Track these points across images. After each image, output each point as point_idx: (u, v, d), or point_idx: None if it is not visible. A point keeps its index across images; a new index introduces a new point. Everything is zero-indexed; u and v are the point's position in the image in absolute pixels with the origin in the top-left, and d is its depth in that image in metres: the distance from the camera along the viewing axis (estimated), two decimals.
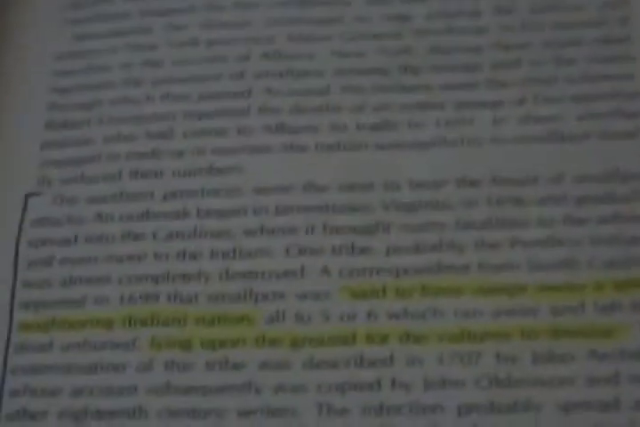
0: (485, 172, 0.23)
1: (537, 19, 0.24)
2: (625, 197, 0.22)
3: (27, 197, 0.24)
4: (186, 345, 0.22)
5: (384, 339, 0.21)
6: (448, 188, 0.23)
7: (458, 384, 0.21)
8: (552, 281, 0.22)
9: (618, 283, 0.21)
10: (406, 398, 0.21)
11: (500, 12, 0.25)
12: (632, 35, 0.24)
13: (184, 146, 0.24)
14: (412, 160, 0.23)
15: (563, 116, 0.23)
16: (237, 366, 0.21)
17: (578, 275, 0.22)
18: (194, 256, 0.22)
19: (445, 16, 0.25)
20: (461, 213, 0.22)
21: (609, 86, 0.23)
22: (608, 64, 0.24)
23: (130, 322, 0.22)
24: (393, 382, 0.21)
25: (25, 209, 0.24)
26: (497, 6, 0.25)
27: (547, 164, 0.23)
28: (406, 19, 0.25)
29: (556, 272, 0.22)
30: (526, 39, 0.24)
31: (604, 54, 0.24)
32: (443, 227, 0.22)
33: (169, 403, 0.21)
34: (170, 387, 0.21)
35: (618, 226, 0.22)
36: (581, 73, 0.24)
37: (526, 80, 0.24)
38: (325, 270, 0.22)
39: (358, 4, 0.25)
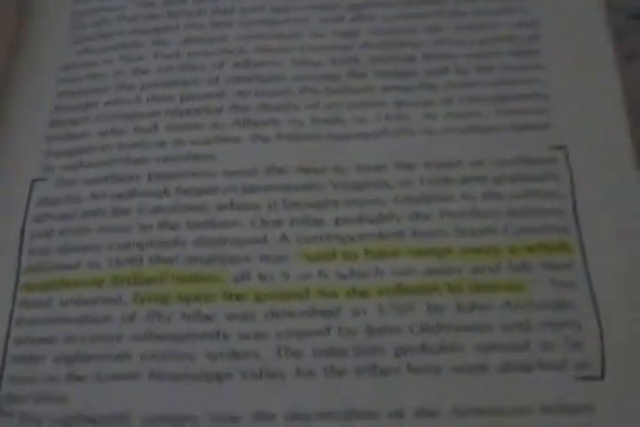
0: (419, 157, 0.26)
1: (461, 35, 0.27)
2: (533, 177, 0.25)
3: (33, 182, 0.26)
4: (164, 300, 0.24)
5: (333, 294, 0.24)
6: (388, 170, 0.25)
7: (395, 331, 0.23)
8: (474, 245, 0.24)
9: (528, 247, 0.24)
10: (351, 342, 0.23)
11: (432, 30, 0.27)
12: (541, 48, 0.27)
13: (166, 138, 0.26)
14: (358, 148, 0.26)
15: (482, 112, 0.26)
16: (208, 318, 0.24)
17: (495, 240, 0.24)
18: (173, 227, 0.25)
19: (387, 32, 0.28)
20: (399, 190, 0.25)
21: (521, 89, 0.26)
22: (521, 71, 0.27)
23: (117, 281, 0.24)
24: (340, 330, 0.24)
25: (31, 192, 0.26)
26: (428, 26, 0.28)
27: (469, 150, 0.26)
28: (354, 34, 0.28)
29: (478, 238, 0.24)
30: (453, 51, 0.27)
31: (518, 64, 0.27)
32: (383, 202, 0.25)
33: (149, 348, 0.24)
34: (150, 335, 0.24)
35: (528, 200, 0.25)
36: (498, 78, 0.27)
37: (452, 84, 0.27)
38: (284, 238, 0.25)
39: (315, 22, 0.28)
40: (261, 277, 0.24)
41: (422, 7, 0.28)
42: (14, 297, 0.25)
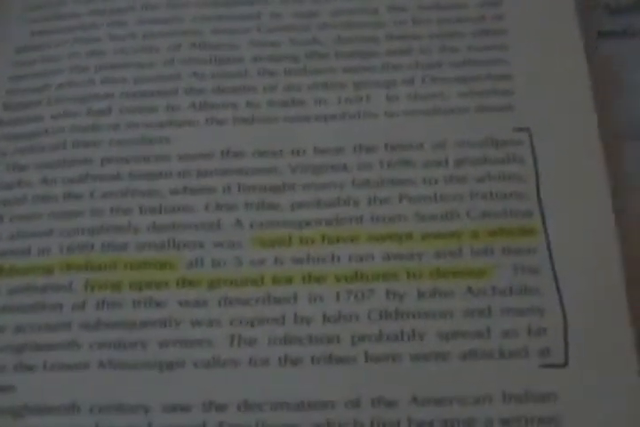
0: (379, 139, 0.25)
1: (425, 15, 0.27)
2: (497, 160, 0.24)
3: None
4: (116, 287, 0.23)
5: (288, 280, 0.23)
6: (347, 153, 0.25)
7: (352, 318, 0.23)
8: (435, 230, 0.23)
9: (490, 231, 0.23)
10: (307, 330, 0.22)
11: (394, 10, 0.27)
12: (507, 28, 0.26)
13: (120, 121, 0.26)
14: (317, 130, 0.25)
15: (446, 93, 0.25)
16: (160, 304, 0.23)
17: (457, 225, 0.23)
18: (125, 212, 0.24)
19: (348, 13, 0.27)
20: (357, 174, 0.24)
21: (486, 70, 0.26)
22: (486, 52, 0.26)
23: (68, 268, 0.24)
24: (295, 317, 0.23)
25: None
26: (391, 5, 0.27)
27: (431, 133, 0.25)
28: (314, 14, 0.27)
29: (439, 222, 0.23)
30: (416, 31, 0.26)
31: (483, 44, 0.26)
32: (341, 186, 0.24)
33: (99, 337, 0.23)
34: (100, 323, 0.23)
35: (491, 184, 0.24)
36: (463, 59, 0.26)
37: (415, 65, 0.26)
38: (239, 223, 0.24)
39: (274, 2, 0.27)
40: (215, 263, 0.23)
41: None
42: None
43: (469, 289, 0.23)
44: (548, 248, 0.23)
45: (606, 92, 0.25)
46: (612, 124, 0.25)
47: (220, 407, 0.22)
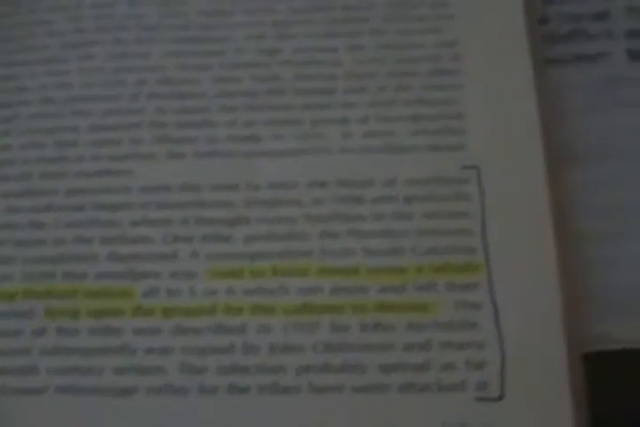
0: (332, 175, 0.25)
1: (383, 54, 0.27)
2: (445, 197, 0.25)
3: None
4: (74, 315, 0.24)
5: (239, 311, 0.24)
6: (300, 188, 0.25)
7: (298, 349, 0.23)
8: (381, 265, 0.24)
9: (435, 267, 0.24)
10: (254, 360, 0.23)
11: (353, 49, 0.27)
12: (462, 68, 0.27)
13: (85, 153, 0.26)
14: (272, 166, 0.26)
15: (398, 132, 0.26)
16: (116, 332, 0.24)
17: (403, 260, 0.24)
18: (86, 242, 0.25)
19: (308, 51, 0.27)
20: (310, 208, 0.25)
21: (439, 109, 0.26)
22: (440, 91, 0.26)
23: (29, 295, 0.24)
24: (244, 347, 0.23)
25: None
26: (351, 44, 0.27)
27: (382, 170, 0.25)
28: (276, 52, 0.27)
29: (385, 258, 0.24)
30: (373, 70, 0.27)
31: (437, 83, 0.26)
32: (294, 220, 0.25)
33: (58, 362, 0.23)
34: (59, 349, 0.24)
35: (438, 221, 0.24)
36: (416, 98, 0.26)
37: (370, 103, 0.26)
38: (194, 255, 0.25)
39: (238, 39, 0.28)
40: (170, 293, 0.24)
41: (345, 26, 0.28)
42: None
43: (411, 324, 0.23)
44: (490, 284, 0.24)
45: (551, 120, 0.26)
46: (558, 151, 0.26)
47: None
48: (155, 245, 0.25)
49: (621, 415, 0.24)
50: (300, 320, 0.24)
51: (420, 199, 0.25)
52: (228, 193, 0.25)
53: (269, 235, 0.25)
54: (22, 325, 0.24)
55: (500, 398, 0.23)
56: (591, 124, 0.27)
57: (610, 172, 0.26)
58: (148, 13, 0.29)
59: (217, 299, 0.24)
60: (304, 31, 0.28)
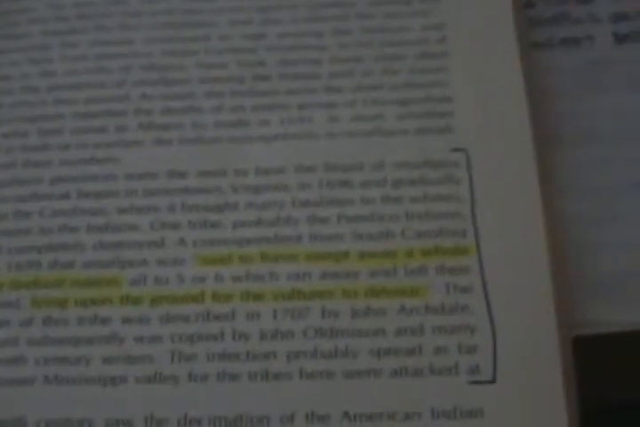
0: (319, 160, 0.25)
1: (369, 38, 0.27)
2: (433, 181, 0.24)
3: None
4: (62, 304, 0.24)
5: (228, 298, 0.23)
6: (287, 173, 0.25)
7: (288, 335, 0.23)
8: (371, 249, 0.24)
9: (425, 251, 0.24)
10: (244, 346, 0.23)
11: (339, 33, 0.27)
12: (449, 50, 0.26)
13: (70, 141, 0.26)
14: (259, 151, 0.25)
15: (386, 115, 0.25)
16: (104, 321, 0.23)
17: (392, 244, 0.24)
18: (72, 230, 0.24)
19: (294, 35, 0.27)
20: (297, 193, 0.25)
21: (426, 92, 0.26)
22: (427, 74, 0.26)
23: (16, 285, 0.24)
24: (233, 334, 0.23)
25: None
26: (336, 28, 0.27)
27: (370, 153, 0.25)
28: (261, 37, 0.27)
29: (375, 242, 0.24)
30: (359, 54, 0.26)
31: (424, 66, 0.26)
32: (281, 205, 0.24)
33: (45, 352, 0.23)
34: (47, 339, 0.23)
35: (427, 204, 0.24)
36: (403, 81, 0.26)
37: (357, 87, 0.26)
38: (182, 242, 0.24)
39: (223, 25, 0.27)
40: (157, 280, 0.24)
41: (329, 10, 0.27)
42: None
43: (402, 308, 0.23)
44: (481, 267, 0.23)
45: (539, 103, 0.26)
46: (546, 134, 0.26)
47: (161, 422, 0.22)
48: (142, 233, 0.24)
49: (611, 399, 0.24)
50: (289, 306, 0.23)
51: (409, 183, 0.24)
52: (214, 179, 0.25)
53: (257, 221, 0.24)
54: (9, 315, 0.23)
55: (493, 381, 0.22)
56: (578, 106, 0.27)
57: (598, 154, 0.26)
58: None
59: (205, 286, 0.23)
60: (289, 16, 0.27)
